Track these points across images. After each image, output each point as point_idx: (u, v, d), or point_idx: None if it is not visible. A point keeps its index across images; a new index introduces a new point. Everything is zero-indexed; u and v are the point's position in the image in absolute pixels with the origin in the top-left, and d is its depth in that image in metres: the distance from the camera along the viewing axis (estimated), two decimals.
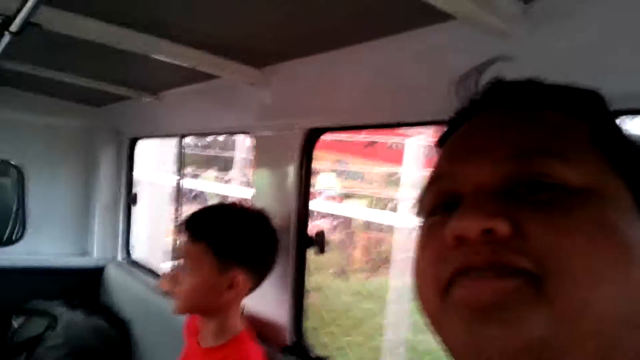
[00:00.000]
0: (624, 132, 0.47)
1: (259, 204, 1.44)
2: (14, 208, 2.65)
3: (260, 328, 1.45)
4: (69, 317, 2.23)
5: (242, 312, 1.34)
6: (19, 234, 2.61)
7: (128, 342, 2.25)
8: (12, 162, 2.63)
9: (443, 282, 0.40)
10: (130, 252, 2.74)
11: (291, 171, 1.43)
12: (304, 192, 1.43)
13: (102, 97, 2.40)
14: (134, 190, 2.73)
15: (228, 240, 1.22)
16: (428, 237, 0.44)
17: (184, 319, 1.46)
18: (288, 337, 1.42)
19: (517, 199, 0.40)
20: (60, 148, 2.72)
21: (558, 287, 0.36)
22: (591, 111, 0.45)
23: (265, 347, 1.34)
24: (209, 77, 1.60)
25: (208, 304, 1.23)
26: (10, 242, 2.58)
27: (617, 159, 0.43)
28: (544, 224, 0.38)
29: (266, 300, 1.48)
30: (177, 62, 1.43)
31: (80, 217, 2.76)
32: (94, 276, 2.68)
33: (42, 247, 2.65)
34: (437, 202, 0.45)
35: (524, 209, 0.39)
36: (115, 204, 2.73)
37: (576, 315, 0.36)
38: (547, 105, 0.45)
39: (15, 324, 2.31)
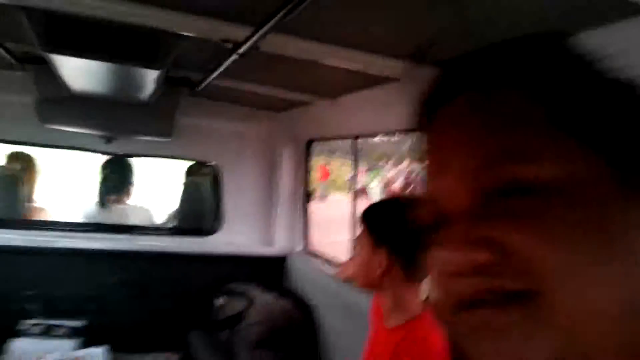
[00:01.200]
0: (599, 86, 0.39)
1: None
2: (213, 203, 3.10)
3: None
4: (263, 299, 2.55)
5: (426, 297, 1.41)
6: (218, 225, 3.05)
7: (312, 325, 2.49)
8: (210, 163, 3.09)
9: (449, 308, 0.39)
10: (309, 242, 3.00)
11: None
12: None
13: (282, 104, 2.68)
14: (310, 187, 3.01)
15: (381, 224, 1.38)
16: (429, 260, 0.42)
17: (367, 304, 1.58)
18: None
19: (495, 213, 0.37)
20: (248, 150, 3.09)
21: (554, 301, 0.35)
22: (545, 86, 0.39)
23: None
24: (384, 80, 1.70)
25: (373, 280, 1.37)
26: (211, 232, 3.05)
27: (588, 136, 0.38)
28: (522, 236, 0.36)
29: None
30: (353, 67, 1.56)
31: (265, 211, 3.10)
32: (278, 264, 3.01)
33: (235, 237, 3.04)
34: (429, 222, 0.43)
35: (502, 224, 0.37)
36: (294, 199, 3.03)
37: (579, 326, 0.35)
38: (504, 83, 0.41)
39: (217, 303, 2.69)
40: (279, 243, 3.06)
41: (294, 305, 2.57)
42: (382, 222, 1.38)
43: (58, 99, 2.37)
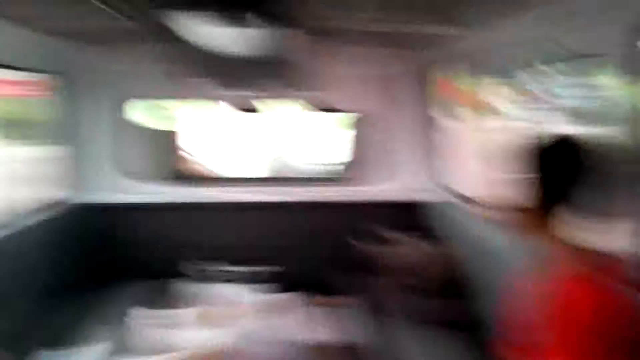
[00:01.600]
0: None
1: None
2: (364, 151, 3.09)
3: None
4: (414, 244, 2.56)
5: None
6: (365, 172, 3.04)
7: (460, 272, 2.42)
8: (354, 111, 3.08)
9: None
10: (460, 184, 2.81)
11: None
12: None
13: (423, 39, 2.50)
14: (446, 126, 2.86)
15: (547, 166, 1.23)
16: None
17: (522, 250, 1.40)
18: None
19: None
20: (392, 93, 2.97)
21: None
22: None
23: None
24: None
25: (531, 225, 1.24)
26: (357, 179, 3.06)
27: None
28: None
29: None
30: None
31: (415, 154, 3.00)
32: (425, 209, 2.93)
33: (383, 183, 3.02)
34: None
35: None
36: (442, 137, 2.87)
37: None
38: None
39: (369, 248, 2.71)
40: (427, 187, 2.96)
41: (441, 251, 2.52)
42: (547, 163, 1.21)
43: (196, 63, 2.42)
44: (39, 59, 2.50)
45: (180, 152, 3.39)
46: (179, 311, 2.07)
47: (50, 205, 2.66)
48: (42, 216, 2.54)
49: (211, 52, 2.36)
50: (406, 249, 2.54)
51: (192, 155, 3.52)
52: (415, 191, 3.00)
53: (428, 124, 2.94)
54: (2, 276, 2.11)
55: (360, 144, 3.13)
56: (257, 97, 2.83)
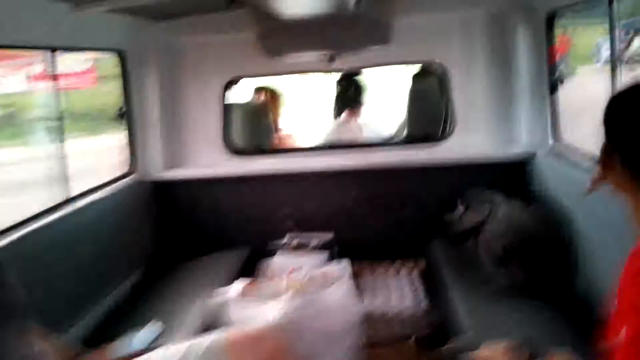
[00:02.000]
0: None
1: None
2: (442, 106, 2.89)
3: None
4: (507, 207, 2.28)
5: None
6: (450, 130, 2.84)
7: (564, 236, 2.14)
8: (435, 62, 2.86)
9: None
10: (561, 137, 2.56)
11: None
12: None
13: None
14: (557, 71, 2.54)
15: (614, 122, 1.01)
16: None
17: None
18: None
19: None
20: (475, 39, 2.74)
21: None
22: None
23: None
24: None
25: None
26: (443, 138, 2.87)
27: None
28: None
29: None
30: None
31: (503, 106, 2.75)
32: (522, 167, 2.67)
33: (471, 139, 2.80)
34: None
35: None
36: (539, 87, 2.58)
37: None
38: None
39: (458, 212, 2.54)
40: (521, 142, 2.71)
41: (542, 213, 2.24)
42: (615, 119, 1.01)
43: (276, 29, 2.42)
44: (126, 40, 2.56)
45: (274, 126, 3.36)
46: (264, 284, 2.00)
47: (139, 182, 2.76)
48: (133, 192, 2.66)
49: (289, 14, 2.30)
50: (501, 211, 2.29)
51: (284, 129, 3.50)
52: (508, 147, 2.75)
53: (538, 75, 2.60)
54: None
55: (443, 97, 2.90)
56: (339, 54, 2.65)
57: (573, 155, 2.34)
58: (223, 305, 1.90)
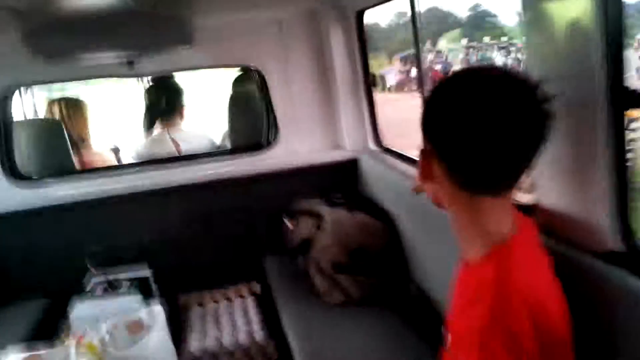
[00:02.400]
0: None
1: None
2: (263, 112, 2.68)
3: (560, 227, 1.10)
4: (334, 216, 2.14)
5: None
6: (273, 136, 2.65)
7: (396, 234, 2.09)
8: (249, 66, 2.64)
9: None
10: (381, 138, 2.55)
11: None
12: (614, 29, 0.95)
13: None
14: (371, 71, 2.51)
15: (428, 120, 0.93)
16: None
17: None
18: (610, 240, 1.02)
19: None
20: (290, 41, 2.57)
21: None
22: None
23: (571, 253, 1.04)
24: None
25: (435, 199, 0.98)
26: (268, 146, 2.66)
27: None
28: None
29: (567, 189, 1.09)
30: None
31: (325, 108, 2.64)
32: (349, 169, 2.58)
33: (296, 145, 2.64)
34: None
35: None
36: (356, 89, 2.52)
37: None
38: None
39: (287, 225, 2.36)
40: (346, 144, 2.62)
41: (370, 215, 2.14)
42: (428, 118, 0.92)
43: (52, 28, 1.95)
44: None
45: (72, 144, 2.83)
46: (49, 352, 1.58)
47: None
48: None
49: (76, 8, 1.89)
50: (329, 220, 2.15)
51: (89, 146, 2.97)
52: (333, 150, 2.66)
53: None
54: None
55: (263, 103, 2.70)
56: (139, 57, 2.29)
57: (396, 154, 2.31)
58: None
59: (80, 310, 1.93)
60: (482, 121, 0.81)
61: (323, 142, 2.68)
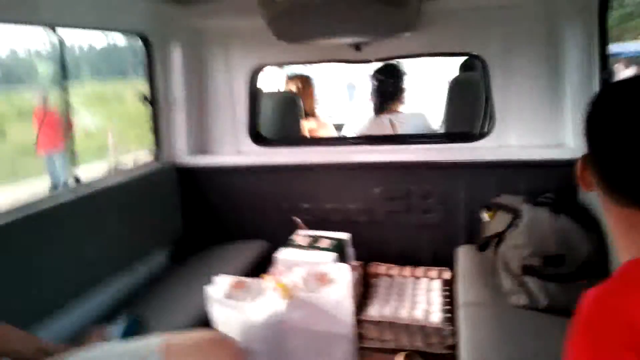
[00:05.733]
0: None
1: None
2: (483, 102, 2.64)
3: None
4: (532, 215, 2.01)
5: None
6: (488, 127, 2.60)
7: (604, 248, 1.88)
8: (474, 54, 2.61)
9: None
10: None
11: None
12: None
13: None
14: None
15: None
16: None
17: None
18: None
19: None
20: (520, 31, 2.45)
21: None
22: None
23: None
24: None
25: None
26: (480, 136, 2.62)
27: None
28: None
29: None
30: None
31: (549, 103, 2.46)
32: (568, 171, 2.37)
33: (511, 139, 2.54)
34: None
35: None
36: (588, 86, 2.29)
37: None
38: None
39: (485, 217, 2.32)
40: (569, 144, 2.42)
41: (577, 225, 1.94)
42: (590, 120, 0.85)
43: (293, 14, 2.23)
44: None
45: (306, 115, 3.25)
46: (255, 280, 1.90)
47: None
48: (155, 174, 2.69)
49: None
50: (528, 219, 2.04)
51: (314, 120, 3.37)
52: (549, 149, 2.47)
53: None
54: None
55: (483, 93, 2.63)
56: (366, 42, 2.49)
57: None
58: (208, 303, 1.83)
59: (284, 255, 2.25)
60: None
61: (541, 139, 2.50)
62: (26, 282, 1.75)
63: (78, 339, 1.45)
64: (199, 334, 1.33)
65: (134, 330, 1.55)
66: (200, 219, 2.85)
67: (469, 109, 2.79)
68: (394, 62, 3.11)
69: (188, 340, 1.26)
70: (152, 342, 1.24)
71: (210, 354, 1.24)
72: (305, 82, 3.33)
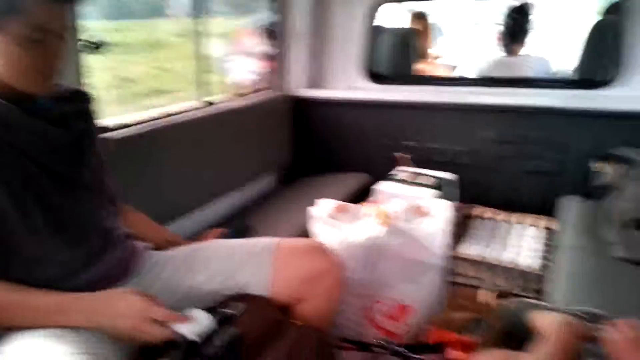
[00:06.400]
0: None
1: None
2: (612, 46, 2.48)
3: None
4: None
5: None
6: (613, 74, 2.44)
7: None
8: None
9: None
10: None
11: None
12: None
13: None
14: None
15: None
16: None
17: None
18: None
19: None
20: None
21: None
22: None
23: None
24: None
25: None
26: (604, 83, 2.47)
27: None
28: None
29: None
30: None
31: None
32: None
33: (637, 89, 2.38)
34: None
35: None
36: None
37: None
38: None
39: (596, 167, 2.23)
40: None
41: None
42: None
43: None
44: None
45: (420, 54, 3.24)
46: (356, 206, 2.04)
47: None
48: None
49: None
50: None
51: (434, 58, 3.34)
52: None
53: None
54: None
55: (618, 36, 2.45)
56: None
57: None
58: (311, 221, 2.00)
59: (385, 187, 2.35)
60: None
61: None
62: (156, 189, 1.98)
63: (198, 237, 1.67)
64: (305, 240, 1.51)
65: (244, 234, 1.76)
66: (308, 148, 3.04)
67: (608, 57, 2.60)
68: (529, 1, 2.96)
69: (295, 243, 1.44)
70: (264, 240, 1.44)
71: (314, 258, 1.41)
72: (423, 20, 3.29)
